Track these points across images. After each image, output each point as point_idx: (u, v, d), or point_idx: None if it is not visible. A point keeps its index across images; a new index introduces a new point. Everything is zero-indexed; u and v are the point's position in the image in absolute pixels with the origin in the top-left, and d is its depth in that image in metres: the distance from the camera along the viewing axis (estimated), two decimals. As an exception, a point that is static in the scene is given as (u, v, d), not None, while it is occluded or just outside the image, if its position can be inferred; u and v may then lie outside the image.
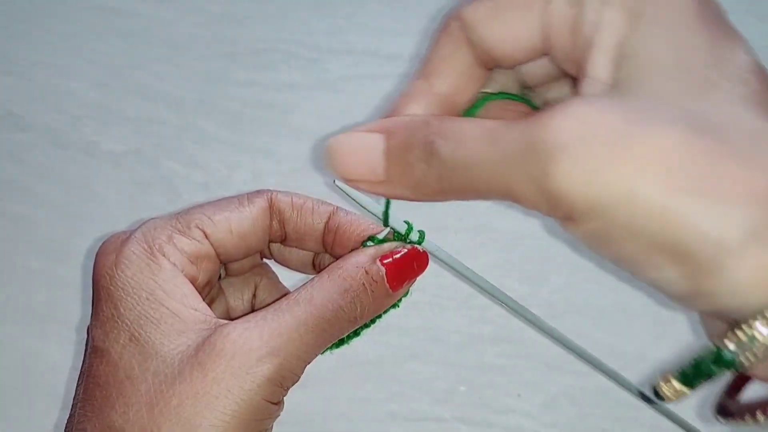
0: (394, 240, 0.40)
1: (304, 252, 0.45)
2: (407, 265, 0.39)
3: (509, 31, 0.34)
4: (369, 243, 0.40)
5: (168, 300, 0.37)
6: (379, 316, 0.41)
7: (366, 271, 0.38)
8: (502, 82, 0.38)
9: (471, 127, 0.31)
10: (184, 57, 0.79)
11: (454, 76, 0.36)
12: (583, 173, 0.26)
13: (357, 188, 0.35)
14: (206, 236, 0.40)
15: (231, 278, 0.47)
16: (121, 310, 0.37)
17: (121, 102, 0.77)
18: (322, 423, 0.65)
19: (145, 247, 0.38)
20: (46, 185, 0.74)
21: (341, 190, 0.37)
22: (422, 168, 0.32)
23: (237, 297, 0.47)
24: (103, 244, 0.39)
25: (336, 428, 0.65)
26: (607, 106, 0.27)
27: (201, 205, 0.41)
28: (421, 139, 0.32)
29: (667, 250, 0.26)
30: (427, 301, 0.69)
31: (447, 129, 0.31)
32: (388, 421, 0.65)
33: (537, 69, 0.36)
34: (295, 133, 0.75)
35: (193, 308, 0.37)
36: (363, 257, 0.38)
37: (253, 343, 0.35)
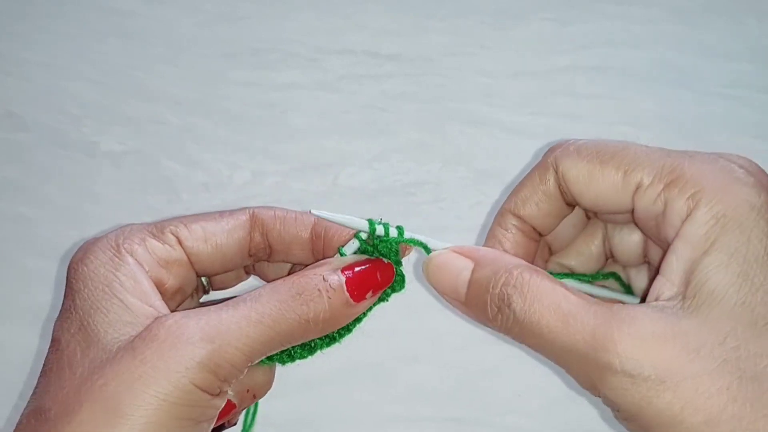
0: (377, 240, 0.41)
1: (283, 265, 0.45)
2: (370, 276, 0.40)
3: (600, 196, 0.38)
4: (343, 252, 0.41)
5: (123, 292, 0.37)
6: (348, 330, 0.41)
7: (324, 278, 0.38)
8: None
9: (549, 296, 0.35)
10: (184, 57, 0.79)
11: (541, 211, 0.41)
12: (637, 394, 0.32)
13: (444, 299, 0.40)
14: (179, 242, 0.41)
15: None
16: (78, 301, 0.37)
17: (121, 102, 0.77)
18: (323, 425, 0.64)
19: (113, 244, 0.39)
20: (46, 185, 0.74)
21: (318, 216, 0.40)
22: (494, 311, 0.36)
23: None
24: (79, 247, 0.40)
25: (337, 430, 0.65)
26: (669, 335, 0.32)
27: (180, 216, 0.42)
28: (501, 287, 0.36)
29: None
30: (426, 303, 0.69)
31: (526, 287, 0.35)
32: (389, 422, 0.65)
33: (618, 217, 0.41)
34: (295, 133, 0.75)
35: (148, 304, 0.37)
36: (324, 266, 0.39)
37: (188, 329, 0.35)
